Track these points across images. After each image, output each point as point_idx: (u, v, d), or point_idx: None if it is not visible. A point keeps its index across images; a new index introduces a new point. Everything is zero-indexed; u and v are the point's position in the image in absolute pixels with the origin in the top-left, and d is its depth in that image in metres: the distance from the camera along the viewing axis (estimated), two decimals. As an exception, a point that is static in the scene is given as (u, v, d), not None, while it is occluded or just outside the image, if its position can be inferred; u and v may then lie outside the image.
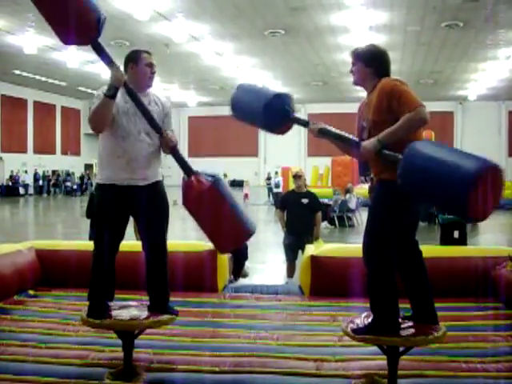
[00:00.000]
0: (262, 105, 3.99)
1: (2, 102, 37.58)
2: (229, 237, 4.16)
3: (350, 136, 3.95)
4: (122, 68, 4.12)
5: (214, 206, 4.03)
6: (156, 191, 4.34)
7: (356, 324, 3.94)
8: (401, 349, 3.82)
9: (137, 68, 4.25)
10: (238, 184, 45.78)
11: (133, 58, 4.28)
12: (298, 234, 8.41)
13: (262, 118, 4.04)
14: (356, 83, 4.12)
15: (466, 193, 3.09)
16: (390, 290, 3.77)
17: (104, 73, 31.53)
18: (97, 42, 3.98)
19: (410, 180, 3.39)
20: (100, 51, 4.00)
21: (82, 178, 43.64)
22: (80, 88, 39.11)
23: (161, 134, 4.14)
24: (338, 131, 3.92)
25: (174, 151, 4.20)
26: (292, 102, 4.09)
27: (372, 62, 3.96)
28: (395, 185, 3.49)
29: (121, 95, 4.12)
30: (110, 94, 3.96)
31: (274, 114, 4.00)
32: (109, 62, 4.00)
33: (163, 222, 4.27)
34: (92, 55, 20.64)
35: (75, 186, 41.65)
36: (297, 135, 49.45)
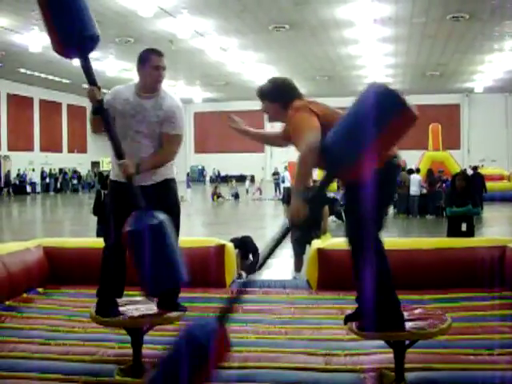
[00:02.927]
0: None
1: (9, 100, 37.65)
2: (147, 282, 3.80)
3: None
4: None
5: (133, 250, 3.80)
6: (162, 190, 4.27)
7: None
8: (407, 342, 3.81)
9: (143, 70, 4.20)
10: (244, 179, 45.79)
11: (141, 59, 4.24)
12: (304, 228, 8.40)
13: None
14: (271, 120, 4.12)
15: None
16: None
17: (109, 70, 31.57)
18: (83, 57, 4.05)
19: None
20: (85, 68, 4.10)
21: (90, 175, 43.80)
22: (85, 85, 39.03)
23: (120, 159, 4.01)
24: None
25: (128, 180, 3.96)
26: None
27: (276, 97, 3.99)
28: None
29: (121, 98, 4.14)
30: (93, 111, 4.12)
31: None
32: (89, 80, 4.11)
33: (172, 220, 4.17)
34: (96, 53, 20.49)
35: (80, 186, 41.76)
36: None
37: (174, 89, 39.08)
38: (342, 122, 3.44)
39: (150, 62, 4.17)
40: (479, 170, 25.54)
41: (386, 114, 3.23)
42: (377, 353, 4.34)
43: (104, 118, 4.04)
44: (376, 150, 3.29)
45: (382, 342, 4.02)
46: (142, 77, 4.22)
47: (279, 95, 3.98)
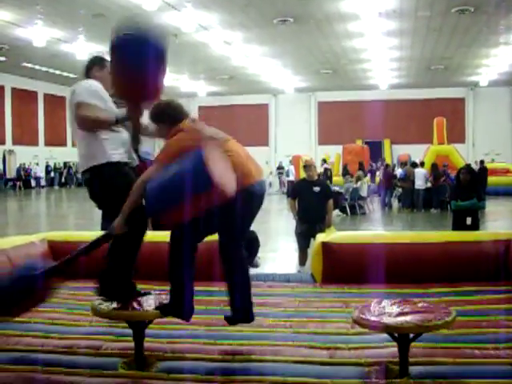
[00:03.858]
0: None
1: (13, 94, 37.67)
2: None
3: None
4: None
5: None
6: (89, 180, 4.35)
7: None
8: (411, 335, 3.81)
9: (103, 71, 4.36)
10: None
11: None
12: (310, 222, 8.40)
13: None
14: (163, 138, 4.29)
15: None
16: None
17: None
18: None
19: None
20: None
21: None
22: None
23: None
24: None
25: None
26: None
27: (160, 119, 4.23)
28: None
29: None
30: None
31: None
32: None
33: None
34: (101, 47, 20.47)
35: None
36: (307, 123, 49.37)
37: (178, 83, 39.10)
38: (167, 176, 3.82)
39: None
40: (485, 165, 25.50)
41: (199, 187, 3.64)
42: (381, 347, 4.34)
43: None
44: (184, 209, 3.74)
45: (386, 336, 4.01)
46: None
47: (164, 117, 4.23)
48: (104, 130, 4.10)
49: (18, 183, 37.17)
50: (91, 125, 4.08)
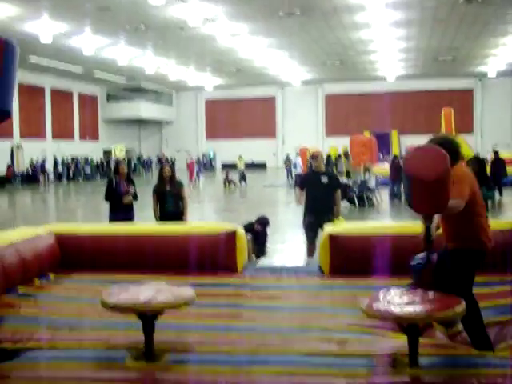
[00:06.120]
0: None
1: (20, 89, 37.70)
2: None
3: None
4: None
5: None
6: None
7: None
8: (420, 325, 3.78)
9: None
10: (256, 166, 45.79)
11: None
12: (317, 213, 8.36)
13: None
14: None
15: None
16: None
17: (120, 59, 31.56)
18: None
19: None
20: None
21: (102, 163, 43.97)
22: (97, 74, 39.18)
23: None
24: None
25: None
26: None
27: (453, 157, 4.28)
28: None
29: None
30: None
31: None
32: None
33: None
34: (107, 40, 20.48)
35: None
36: (314, 115, 49.28)
37: (185, 76, 39.05)
38: None
39: None
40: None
41: None
42: (390, 338, 4.32)
43: None
44: None
45: (395, 328, 3.99)
46: None
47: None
48: None
49: (43, 177, 37.41)
50: None
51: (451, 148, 4.25)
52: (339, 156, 32.42)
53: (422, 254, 4.56)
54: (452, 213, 4.09)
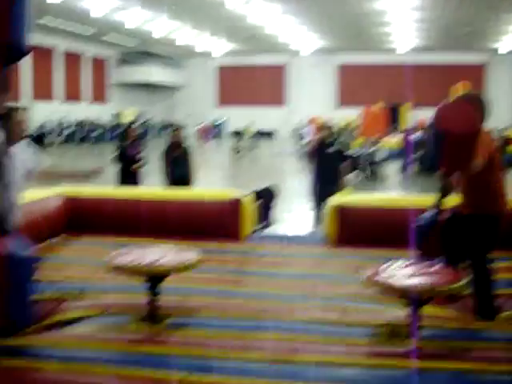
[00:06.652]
0: None
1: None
2: None
3: None
4: None
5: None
6: None
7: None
8: (422, 298, 3.81)
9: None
10: (266, 134, 45.57)
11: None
12: (324, 183, 8.39)
13: None
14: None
15: None
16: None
17: (128, 22, 31.33)
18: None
19: None
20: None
21: (112, 127, 43.96)
22: (108, 37, 38.94)
23: None
24: None
25: None
26: None
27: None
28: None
29: None
30: None
31: None
32: None
33: None
34: (119, 1, 20.32)
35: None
36: (326, 85, 48.90)
37: (198, 41, 38.73)
38: None
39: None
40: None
41: None
42: (392, 308, 4.35)
43: None
44: None
45: (397, 299, 4.03)
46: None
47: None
48: None
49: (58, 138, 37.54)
50: None
51: (481, 106, 4.25)
52: (346, 127, 32.27)
53: (428, 213, 4.58)
54: (470, 173, 4.10)
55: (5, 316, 3.49)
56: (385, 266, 4.07)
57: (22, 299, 3.56)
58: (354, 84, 46.98)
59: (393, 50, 42.88)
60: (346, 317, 4.24)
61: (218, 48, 43.93)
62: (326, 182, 8.40)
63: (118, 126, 41.59)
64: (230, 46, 43.69)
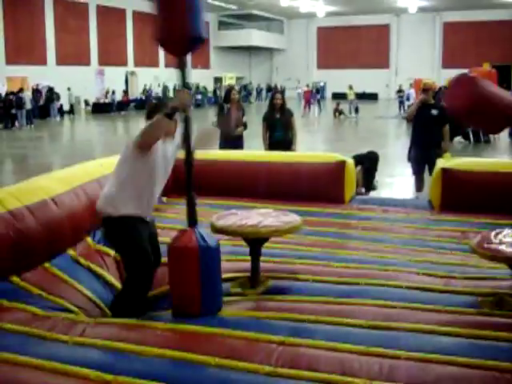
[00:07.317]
0: None
1: (134, 16, 38.36)
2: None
3: None
4: None
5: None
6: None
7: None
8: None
9: None
10: (367, 97, 44.72)
11: None
12: (425, 147, 8.14)
13: None
14: None
15: None
16: None
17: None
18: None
19: None
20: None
21: (214, 90, 44.48)
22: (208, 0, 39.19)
23: None
24: None
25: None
26: None
27: None
28: None
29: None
30: (169, 114, 3.81)
31: None
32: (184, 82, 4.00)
33: None
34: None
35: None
36: (430, 45, 47.30)
37: (297, 2, 38.27)
38: None
39: None
40: None
41: None
42: (497, 278, 4.19)
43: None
44: None
45: (504, 271, 3.88)
46: None
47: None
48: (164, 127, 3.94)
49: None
50: (150, 132, 3.90)
51: None
52: (440, 89, 31.13)
53: None
54: None
55: (197, 305, 3.65)
56: (494, 232, 3.92)
57: (213, 287, 3.70)
58: (460, 43, 45.16)
59: (503, 6, 40.70)
60: (450, 285, 4.12)
61: (322, 9, 43.29)
62: (426, 145, 8.15)
63: (218, 89, 42.07)
64: (332, 7, 42.94)
